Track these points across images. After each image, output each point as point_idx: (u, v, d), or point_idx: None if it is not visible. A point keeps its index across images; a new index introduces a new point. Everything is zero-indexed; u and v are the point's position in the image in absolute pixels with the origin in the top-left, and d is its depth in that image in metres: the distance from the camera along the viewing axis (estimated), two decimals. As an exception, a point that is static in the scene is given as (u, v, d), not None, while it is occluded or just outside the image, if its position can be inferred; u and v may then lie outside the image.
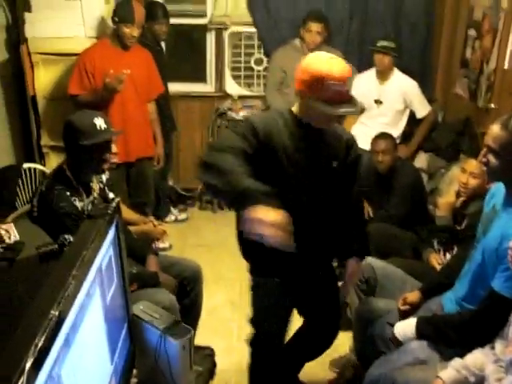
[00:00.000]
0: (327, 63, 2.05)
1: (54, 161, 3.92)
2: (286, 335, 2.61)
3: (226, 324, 3.51)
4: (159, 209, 4.67)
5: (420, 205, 3.58)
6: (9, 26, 3.94)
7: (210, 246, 4.44)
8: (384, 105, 4.23)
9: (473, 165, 2.78)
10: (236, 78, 5.03)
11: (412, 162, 4.11)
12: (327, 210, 2.31)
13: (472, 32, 4.15)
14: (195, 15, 4.94)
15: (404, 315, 2.42)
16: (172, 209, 4.96)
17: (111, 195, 2.76)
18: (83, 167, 2.53)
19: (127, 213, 2.98)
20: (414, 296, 2.48)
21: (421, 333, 2.22)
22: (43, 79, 3.90)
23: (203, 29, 4.95)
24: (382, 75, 4.20)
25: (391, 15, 4.62)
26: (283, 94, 4.45)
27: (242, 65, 5.00)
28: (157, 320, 2.02)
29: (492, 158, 1.97)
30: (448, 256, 2.92)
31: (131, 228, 2.90)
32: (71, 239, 2.38)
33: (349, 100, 2.10)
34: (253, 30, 4.83)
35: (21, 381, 0.93)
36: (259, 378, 2.67)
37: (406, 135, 4.36)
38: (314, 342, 2.69)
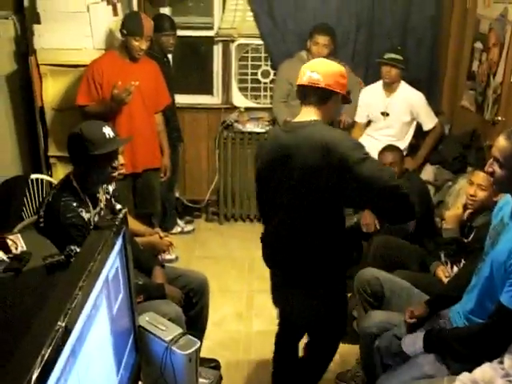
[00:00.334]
0: None
1: (60, 171, 3.93)
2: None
3: (232, 336, 3.50)
4: (165, 220, 4.67)
5: (427, 217, 3.56)
6: (17, 37, 3.96)
7: (216, 258, 4.43)
8: (390, 117, 4.23)
9: (480, 177, 2.78)
10: (243, 90, 5.04)
11: (419, 175, 4.10)
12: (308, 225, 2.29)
13: (478, 45, 4.16)
14: (202, 27, 4.96)
15: (411, 328, 2.41)
16: (178, 220, 4.96)
17: (118, 206, 2.77)
18: (93, 177, 2.53)
19: (134, 224, 2.98)
20: (421, 309, 2.47)
21: (428, 346, 2.20)
22: (51, 90, 3.92)
23: (210, 41, 4.97)
24: (389, 87, 4.20)
25: (398, 28, 4.63)
26: (290, 106, 4.45)
27: (249, 77, 5.01)
28: (163, 332, 2.02)
29: (497, 168, 2.00)
30: (455, 269, 2.90)
31: (137, 239, 2.90)
32: (78, 250, 2.38)
33: None
34: (260, 42, 4.84)
35: (27, 393, 0.93)
36: None
37: (413, 147, 4.36)
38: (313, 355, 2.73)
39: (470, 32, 4.33)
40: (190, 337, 2.03)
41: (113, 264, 1.56)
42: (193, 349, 1.98)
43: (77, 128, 2.48)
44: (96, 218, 2.53)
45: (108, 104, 3.57)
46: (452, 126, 4.61)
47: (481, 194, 2.78)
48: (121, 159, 2.62)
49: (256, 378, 3.11)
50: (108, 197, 2.73)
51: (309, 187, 2.17)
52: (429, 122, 4.27)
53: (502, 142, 1.98)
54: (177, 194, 5.07)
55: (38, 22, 3.77)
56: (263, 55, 4.93)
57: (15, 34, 3.95)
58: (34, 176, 3.52)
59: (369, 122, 4.44)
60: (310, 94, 2.23)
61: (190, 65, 5.22)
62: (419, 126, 4.31)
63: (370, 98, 4.29)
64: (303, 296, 2.40)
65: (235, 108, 5.01)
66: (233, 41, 4.87)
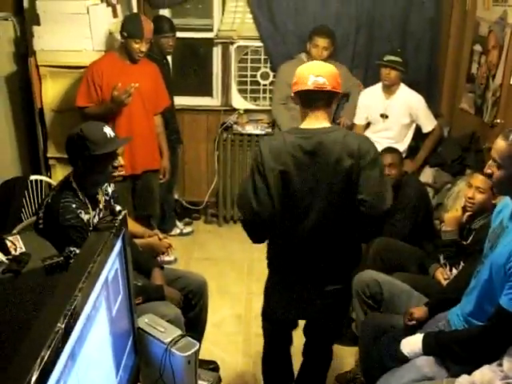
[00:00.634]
0: None
1: (60, 173, 3.93)
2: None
3: (231, 338, 3.50)
4: (164, 222, 4.67)
5: (426, 219, 3.57)
6: (17, 38, 3.97)
7: (215, 260, 4.43)
8: (390, 119, 4.23)
9: (479, 179, 2.78)
10: (242, 92, 5.04)
11: (418, 177, 4.10)
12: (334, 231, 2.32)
13: (478, 47, 4.16)
14: (202, 29, 4.97)
15: (410, 331, 2.41)
16: (177, 222, 4.96)
17: (118, 207, 2.76)
18: (93, 178, 2.54)
19: (133, 225, 2.98)
20: (420, 311, 2.47)
21: (427, 349, 2.20)
22: (51, 92, 3.92)
23: (210, 43, 4.97)
24: (388, 90, 4.20)
25: (397, 30, 4.64)
26: (289, 108, 4.45)
27: (249, 79, 5.01)
28: (162, 333, 2.02)
29: (495, 170, 2.01)
30: (454, 271, 2.90)
31: (136, 241, 2.90)
32: (77, 252, 2.38)
33: None
34: (259, 44, 4.84)
35: (27, 394, 0.93)
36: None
37: (412, 150, 4.36)
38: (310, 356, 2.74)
39: (470, 34, 4.34)
40: (189, 339, 2.03)
41: (112, 265, 1.56)
42: (192, 351, 1.98)
43: (76, 129, 2.48)
44: (95, 220, 2.53)
45: (108, 106, 3.57)
46: (451, 128, 4.61)
47: (479, 197, 2.78)
48: (120, 160, 2.62)
49: (255, 379, 3.10)
50: (107, 198, 2.73)
51: (342, 189, 2.21)
52: (428, 124, 4.27)
53: (500, 143, 2.00)
54: (176, 196, 5.07)
55: (38, 24, 3.77)
56: (263, 57, 4.93)
57: (15, 35, 3.95)
58: (33, 177, 3.52)
59: (368, 124, 4.44)
60: (318, 98, 2.22)
61: (190, 67, 5.22)
62: (418, 129, 4.32)
63: (370, 100, 4.29)
64: (336, 297, 2.45)
65: (234, 110, 5.01)
66: (232, 43, 4.87)
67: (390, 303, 2.76)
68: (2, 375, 0.98)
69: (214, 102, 5.11)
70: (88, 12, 3.75)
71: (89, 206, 2.54)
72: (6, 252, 2.24)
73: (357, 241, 2.43)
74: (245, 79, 5.02)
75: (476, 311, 2.17)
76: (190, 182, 5.21)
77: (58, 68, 3.86)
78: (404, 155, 4.04)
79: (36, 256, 2.24)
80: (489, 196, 2.76)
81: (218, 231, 5.03)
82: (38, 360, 0.99)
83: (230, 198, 5.07)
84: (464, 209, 2.90)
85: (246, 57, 4.97)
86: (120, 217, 1.71)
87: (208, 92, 5.13)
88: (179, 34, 4.50)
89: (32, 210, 3.42)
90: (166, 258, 3.93)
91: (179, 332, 2.05)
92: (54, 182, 3.55)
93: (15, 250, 2.27)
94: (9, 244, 2.27)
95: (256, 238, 2.38)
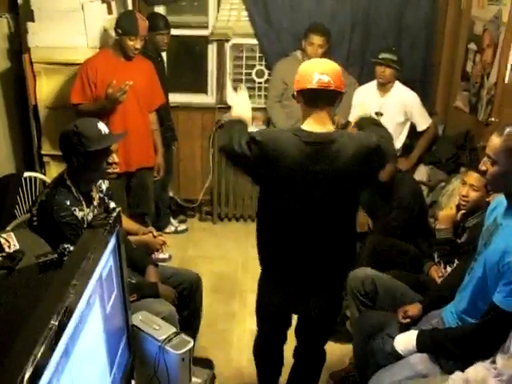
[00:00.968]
0: None
1: (54, 170, 3.92)
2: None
3: (225, 335, 3.50)
4: (159, 219, 4.66)
5: (420, 217, 3.57)
6: (11, 35, 3.95)
7: (209, 258, 4.43)
8: (384, 117, 4.23)
9: (473, 177, 2.79)
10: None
11: (412, 175, 4.11)
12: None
13: (472, 46, 4.17)
14: (197, 26, 4.95)
15: (404, 328, 2.42)
16: (172, 220, 4.95)
17: (112, 205, 2.76)
18: (88, 175, 2.53)
19: (127, 223, 2.98)
20: (414, 309, 2.48)
21: (421, 346, 2.21)
22: (45, 88, 3.90)
23: (205, 40, 4.95)
24: (383, 87, 4.20)
25: (392, 28, 4.63)
26: (284, 106, 4.45)
27: (244, 77, 5.01)
28: (156, 331, 2.02)
29: (489, 166, 2.02)
30: (448, 269, 2.91)
31: (131, 238, 2.90)
32: (71, 249, 2.38)
33: None
34: (254, 41, 4.83)
35: (20, 391, 0.92)
36: None
37: (407, 148, 4.36)
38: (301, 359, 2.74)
39: (465, 33, 4.35)
40: (184, 336, 2.04)
41: (106, 263, 1.56)
42: (186, 348, 1.98)
43: (70, 125, 2.47)
44: (89, 217, 2.52)
45: (102, 103, 3.57)
46: (446, 126, 4.62)
47: (473, 195, 2.79)
48: (115, 158, 2.62)
49: (249, 377, 3.11)
50: (101, 195, 2.72)
51: (344, 185, 2.21)
52: (423, 122, 4.27)
53: (494, 139, 2.02)
54: (170, 194, 5.07)
55: (32, 20, 3.75)
56: (258, 55, 4.92)
57: (9, 31, 3.94)
58: (27, 174, 3.51)
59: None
60: (323, 97, 2.17)
61: (185, 64, 5.20)
62: (413, 127, 4.32)
63: (364, 98, 4.29)
64: (330, 294, 2.45)
65: (229, 107, 4.99)
66: (227, 40, 4.86)
67: (385, 301, 2.77)
68: (-5, 372, 0.98)
69: (208, 99, 5.10)
70: (83, 9, 3.73)
71: (83, 203, 2.54)
72: (0, 249, 2.23)
73: (352, 237, 2.42)
74: (240, 77, 5.01)
75: (469, 308, 2.17)
76: (185, 179, 5.20)
77: (53, 65, 3.85)
78: (398, 154, 4.04)
79: (30, 253, 2.24)
80: (483, 194, 2.77)
81: (212, 229, 5.03)
82: (32, 357, 0.98)
83: (224, 196, 5.07)
84: (458, 207, 2.90)
85: (241, 54, 4.96)
86: (114, 214, 1.70)
87: (203, 89, 5.11)
88: (174, 32, 4.49)
89: (26, 207, 3.41)
90: (161, 256, 3.93)
91: (173, 329, 2.05)
92: (48, 179, 3.54)
93: (9, 247, 2.26)
94: (2, 241, 2.26)
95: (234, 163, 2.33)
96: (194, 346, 2.05)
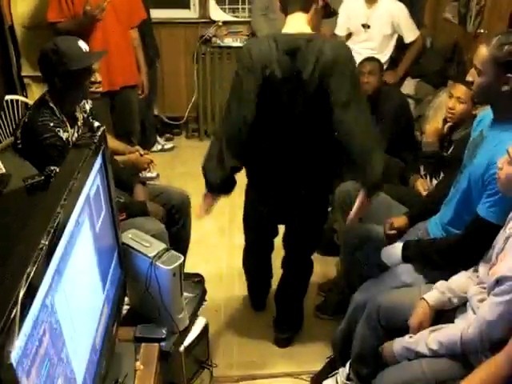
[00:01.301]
0: None
1: (36, 92, 3.85)
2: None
3: (215, 251, 3.56)
4: (145, 138, 4.63)
5: (407, 131, 3.56)
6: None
7: (197, 175, 4.36)
8: (371, 29, 4.14)
9: (460, 89, 2.77)
10: (220, 2, 4.88)
11: (399, 88, 4.07)
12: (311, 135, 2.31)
13: (463, -47, 4.04)
14: None
15: (391, 240, 2.46)
16: (158, 138, 4.93)
17: (96, 124, 2.72)
18: (70, 95, 2.47)
19: (113, 143, 2.96)
20: (400, 221, 2.52)
21: (407, 256, 2.26)
22: (20, 7, 3.76)
23: (186, -49, 4.77)
24: (370, -1, 4.09)
25: None
26: (269, 19, 4.34)
27: (227, -12, 4.86)
28: (146, 248, 2.04)
29: (476, 77, 2.01)
30: (434, 182, 2.94)
31: (117, 158, 2.88)
32: (57, 170, 2.36)
33: None
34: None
35: (15, 310, 0.94)
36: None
37: (394, 61, 4.30)
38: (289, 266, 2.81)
39: None
40: (174, 252, 2.06)
41: (93, 182, 1.55)
42: (177, 263, 2.01)
43: (50, 44, 2.38)
44: (74, 138, 2.49)
45: (81, 20, 3.45)
46: (434, 39, 4.54)
47: (460, 107, 2.78)
48: (97, 77, 2.56)
49: (239, 289, 3.19)
50: (85, 116, 2.68)
51: (321, 97, 2.17)
52: (410, 34, 4.18)
53: (482, 49, 2.00)
54: (156, 112, 5.02)
55: None
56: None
57: None
58: (8, 97, 3.45)
59: (349, 35, 4.35)
60: (294, 1, 2.20)
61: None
62: (400, 40, 4.24)
63: (351, 10, 4.18)
64: (314, 203, 2.52)
65: (213, 22, 4.87)
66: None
67: (371, 213, 2.79)
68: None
69: (191, 14, 4.96)
70: None
71: (67, 123, 2.50)
72: (-14, 172, 2.22)
73: (334, 146, 2.35)
74: (223, -11, 4.86)
75: (454, 220, 2.21)
76: (170, 97, 5.13)
77: (27, -20, 3.70)
78: (385, 66, 3.99)
79: (16, 176, 2.23)
80: (469, 107, 2.76)
81: (199, 146, 5.00)
82: (24, 277, 1.00)
83: (210, 112, 5.03)
84: (445, 120, 2.90)
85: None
86: (99, 133, 1.68)
87: (185, 4, 4.96)
88: None
89: (9, 130, 3.37)
90: (148, 174, 3.93)
91: (164, 246, 2.08)
92: (30, 102, 3.48)
93: (-5, 170, 2.25)
94: (-12, 164, 2.25)
95: (238, 152, 2.41)
96: (184, 261, 2.08)
